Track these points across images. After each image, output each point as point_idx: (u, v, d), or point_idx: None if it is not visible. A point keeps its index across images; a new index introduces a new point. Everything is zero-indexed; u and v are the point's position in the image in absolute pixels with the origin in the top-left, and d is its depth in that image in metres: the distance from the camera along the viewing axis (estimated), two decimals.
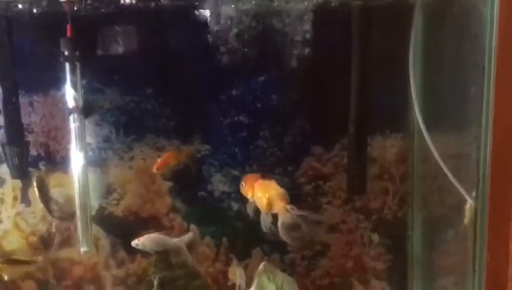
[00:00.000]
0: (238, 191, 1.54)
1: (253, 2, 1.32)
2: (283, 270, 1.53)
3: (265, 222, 1.32)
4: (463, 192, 1.30)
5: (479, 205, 1.18)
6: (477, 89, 1.15)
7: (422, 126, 1.43)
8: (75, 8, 1.31)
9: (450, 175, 1.34)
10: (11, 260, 1.51)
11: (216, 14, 1.42)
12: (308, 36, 1.46)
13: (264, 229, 1.33)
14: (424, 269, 1.63)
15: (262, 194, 1.30)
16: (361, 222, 1.64)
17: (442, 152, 1.39)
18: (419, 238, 1.64)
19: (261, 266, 1.38)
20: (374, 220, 1.64)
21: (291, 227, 1.29)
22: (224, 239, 1.61)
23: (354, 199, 1.62)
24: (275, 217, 1.29)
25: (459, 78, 1.31)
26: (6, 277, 1.50)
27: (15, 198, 1.57)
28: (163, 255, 1.56)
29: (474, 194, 1.20)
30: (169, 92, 1.55)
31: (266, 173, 1.45)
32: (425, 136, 1.42)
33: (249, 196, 1.34)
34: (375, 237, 1.65)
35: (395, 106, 1.56)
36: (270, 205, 1.29)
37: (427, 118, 1.45)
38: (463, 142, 1.31)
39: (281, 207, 1.28)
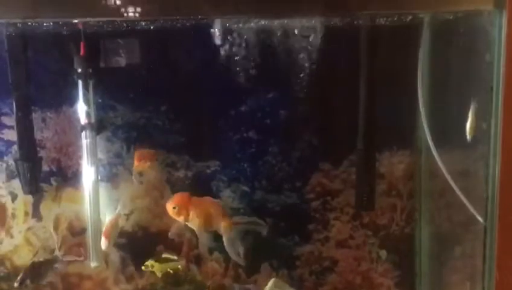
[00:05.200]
0: (248, 206, 1.57)
1: (261, 20, 1.34)
2: (291, 286, 1.54)
3: (205, 240, 1.31)
4: (471, 208, 1.31)
5: (488, 222, 1.19)
6: (485, 108, 1.17)
7: (430, 143, 1.44)
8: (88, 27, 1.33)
9: (458, 191, 1.35)
10: (161, 259, 1.53)
11: (226, 32, 1.44)
12: (316, 53, 1.48)
13: (203, 249, 1.33)
14: (432, 286, 1.63)
15: (202, 213, 1.27)
16: (369, 237, 1.65)
17: (450, 169, 1.40)
18: (426, 254, 1.64)
19: (271, 281, 1.39)
20: (381, 236, 1.65)
21: (239, 239, 1.29)
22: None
23: (362, 215, 1.63)
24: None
25: (467, 96, 1.33)
26: (158, 274, 1.53)
27: (26, 213, 1.58)
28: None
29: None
30: (180, 108, 1.57)
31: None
32: (433, 152, 1.43)
33: (181, 218, 1.28)
34: (383, 253, 1.66)
35: (403, 122, 1.57)
36: (211, 223, 1.27)
37: (435, 135, 1.46)
38: (471, 159, 1.32)
39: (224, 223, 1.26)
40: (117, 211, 1.52)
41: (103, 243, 1.45)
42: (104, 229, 1.47)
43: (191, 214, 1.27)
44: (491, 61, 1.12)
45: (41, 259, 1.57)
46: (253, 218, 1.43)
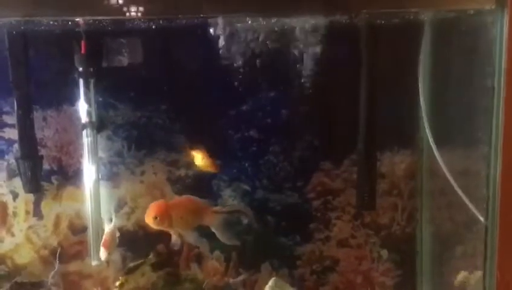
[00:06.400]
0: (249, 205, 1.56)
1: (263, 21, 1.34)
2: (292, 285, 1.54)
3: (193, 237, 1.30)
4: (472, 208, 1.30)
5: (489, 221, 1.19)
6: (486, 107, 1.17)
7: (431, 143, 1.44)
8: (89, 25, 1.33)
9: (459, 191, 1.35)
10: (130, 269, 1.51)
11: (227, 32, 1.44)
12: (317, 53, 1.47)
13: (196, 244, 1.35)
14: (433, 286, 1.63)
15: (185, 213, 1.25)
16: (370, 237, 1.65)
17: (451, 169, 1.40)
18: (428, 254, 1.64)
19: (271, 280, 1.39)
20: (382, 236, 1.65)
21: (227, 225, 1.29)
22: (234, 253, 1.61)
23: (363, 214, 1.63)
24: None
25: (468, 96, 1.33)
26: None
27: (27, 212, 1.58)
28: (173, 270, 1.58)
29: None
30: (181, 107, 1.57)
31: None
32: (435, 152, 1.43)
33: (165, 225, 1.25)
34: (384, 253, 1.65)
35: (404, 122, 1.57)
36: (195, 219, 1.27)
37: (436, 135, 1.46)
38: (472, 159, 1.32)
39: (207, 216, 1.26)
40: (113, 223, 1.49)
41: (102, 254, 1.42)
42: (103, 239, 1.45)
43: (174, 218, 1.25)
44: (492, 60, 1.12)
45: (25, 280, 1.56)
46: (237, 206, 1.43)
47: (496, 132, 1.14)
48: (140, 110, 1.55)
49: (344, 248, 1.64)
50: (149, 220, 1.25)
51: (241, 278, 1.58)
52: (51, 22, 1.23)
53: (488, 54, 1.14)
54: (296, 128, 1.60)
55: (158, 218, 1.24)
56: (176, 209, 1.26)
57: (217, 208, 1.30)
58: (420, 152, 1.60)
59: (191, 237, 1.31)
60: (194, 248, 1.61)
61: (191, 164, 1.57)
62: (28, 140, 1.48)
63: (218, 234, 1.31)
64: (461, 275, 1.30)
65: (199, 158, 1.45)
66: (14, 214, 1.58)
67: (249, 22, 1.36)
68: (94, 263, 1.50)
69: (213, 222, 1.29)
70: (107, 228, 1.48)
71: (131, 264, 1.53)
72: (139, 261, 1.52)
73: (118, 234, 1.50)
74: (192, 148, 1.47)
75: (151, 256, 1.56)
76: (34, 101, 1.50)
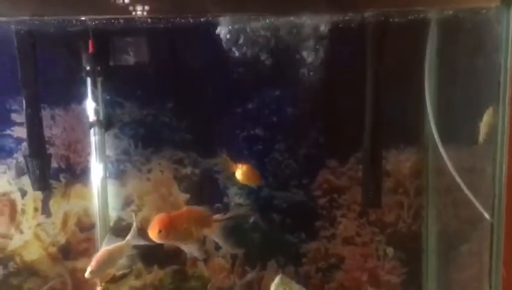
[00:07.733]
0: (254, 203, 1.57)
1: (269, 19, 1.34)
2: (298, 283, 1.54)
3: (193, 250, 1.30)
4: (478, 206, 1.30)
5: (495, 220, 1.19)
6: (492, 104, 1.17)
7: (437, 140, 1.44)
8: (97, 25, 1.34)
9: (465, 189, 1.35)
10: (113, 278, 1.51)
11: (233, 31, 1.45)
12: (323, 51, 1.48)
13: (200, 256, 1.37)
14: (439, 284, 1.63)
15: (189, 224, 1.24)
16: (375, 235, 1.65)
17: (457, 166, 1.40)
18: (434, 252, 1.64)
19: (277, 278, 1.39)
20: (388, 234, 1.65)
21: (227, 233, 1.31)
22: (240, 251, 1.62)
23: (368, 212, 1.63)
24: None
25: (474, 93, 1.33)
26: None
27: (36, 209, 1.59)
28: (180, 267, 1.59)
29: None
30: (187, 105, 1.58)
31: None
32: (440, 150, 1.43)
33: (170, 238, 1.22)
34: (390, 251, 1.66)
35: (409, 120, 1.57)
36: (198, 229, 1.27)
37: (442, 132, 1.46)
38: (478, 157, 1.32)
39: (210, 225, 1.27)
40: (129, 237, 1.38)
41: (87, 270, 1.30)
42: (97, 254, 1.33)
43: (178, 229, 1.23)
44: (498, 57, 1.12)
45: None
46: (238, 210, 1.42)
47: (501, 130, 1.15)
48: (147, 108, 1.56)
49: (349, 246, 1.65)
50: (153, 234, 1.22)
51: (248, 277, 1.59)
52: (59, 21, 1.24)
53: (494, 52, 1.15)
54: (302, 126, 1.60)
55: (162, 231, 1.21)
56: (179, 221, 1.24)
57: (218, 216, 1.30)
58: (426, 150, 1.60)
59: (195, 250, 1.31)
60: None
61: (197, 162, 1.58)
62: (36, 138, 1.49)
63: (220, 243, 1.32)
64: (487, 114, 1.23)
65: (243, 170, 1.41)
66: (23, 211, 1.59)
67: (255, 20, 1.36)
68: None
69: (214, 231, 1.30)
70: (108, 240, 1.37)
71: (118, 273, 1.52)
72: (125, 271, 1.53)
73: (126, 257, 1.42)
74: (236, 160, 1.43)
75: (134, 267, 1.57)
76: (42, 100, 1.51)
